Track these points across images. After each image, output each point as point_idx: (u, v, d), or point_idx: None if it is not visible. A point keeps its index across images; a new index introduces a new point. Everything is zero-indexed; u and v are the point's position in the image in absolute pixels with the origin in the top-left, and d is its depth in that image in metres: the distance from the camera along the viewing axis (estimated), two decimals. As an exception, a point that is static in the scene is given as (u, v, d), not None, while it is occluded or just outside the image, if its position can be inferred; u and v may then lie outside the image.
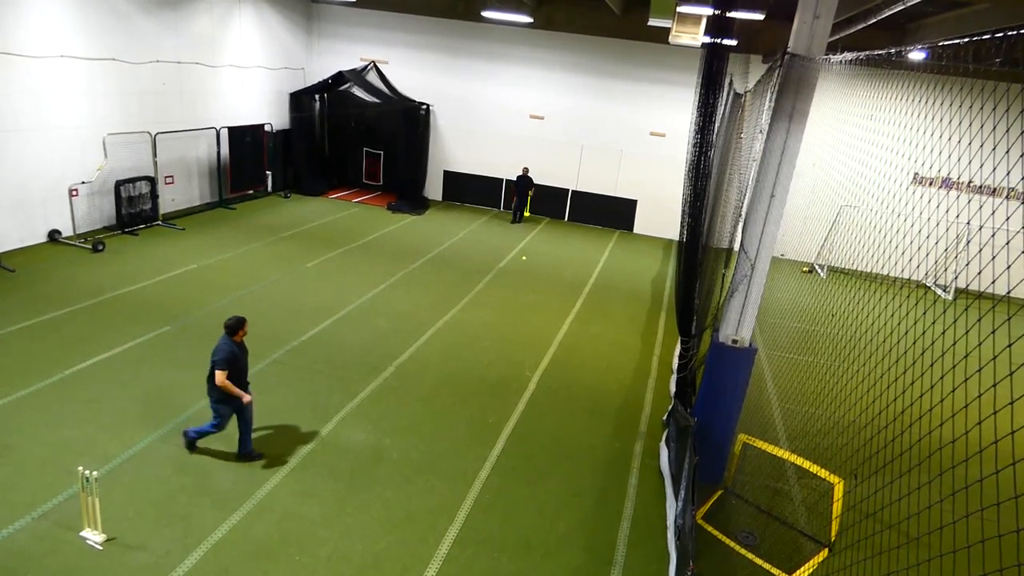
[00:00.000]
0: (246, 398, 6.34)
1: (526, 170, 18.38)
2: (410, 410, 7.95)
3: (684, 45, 12.05)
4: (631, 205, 18.92)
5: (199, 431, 6.54)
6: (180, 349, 8.76)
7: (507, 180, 19.38)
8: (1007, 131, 3.56)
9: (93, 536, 5.35)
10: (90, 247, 12.11)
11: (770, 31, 14.56)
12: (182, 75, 14.86)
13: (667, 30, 12.26)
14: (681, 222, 8.56)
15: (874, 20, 9.49)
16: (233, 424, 6.53)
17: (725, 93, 9.73)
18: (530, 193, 18.51)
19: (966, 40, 3.17)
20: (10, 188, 11.49)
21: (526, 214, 19.04)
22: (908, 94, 5.77)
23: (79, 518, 5.44)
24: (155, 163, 14.20)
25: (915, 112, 5.22)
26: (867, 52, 5.05)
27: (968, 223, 14.68)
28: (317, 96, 19.15)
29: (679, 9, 10.10)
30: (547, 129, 18.85)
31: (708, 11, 9.28)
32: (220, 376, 6.09)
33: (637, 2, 15.42)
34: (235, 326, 6.29)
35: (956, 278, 15.35)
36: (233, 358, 6.18)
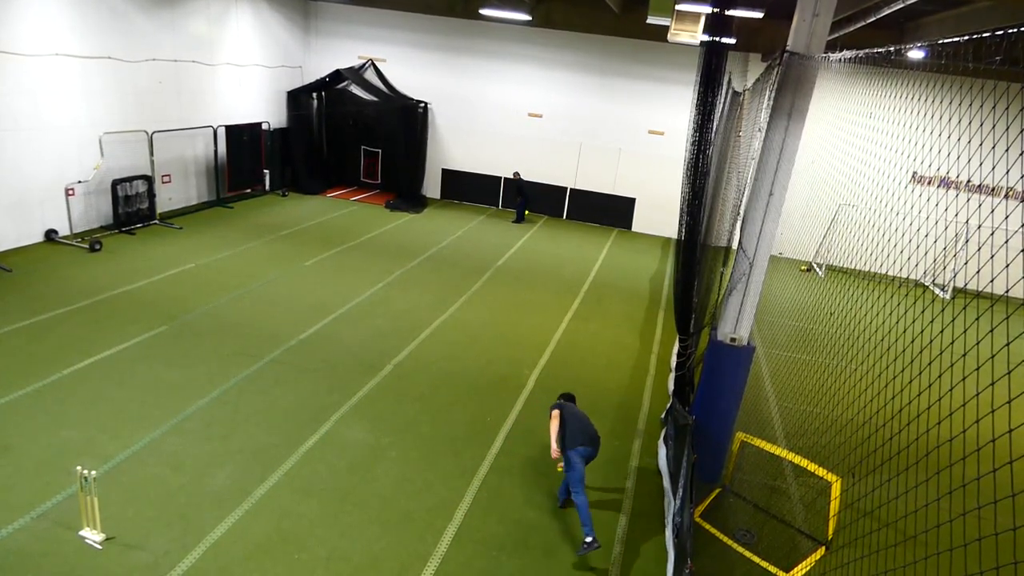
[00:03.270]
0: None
1: (516, 174, 18.67)
2: (408, 409, 7.95)
3: (683, 43, 12.06)
4: (629, 203, 18.91)
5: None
6: (178, 348, 8.75)
7: (505, 178, 19.38)
8: (1007, 130, 3.55)
9: (92, 535, 5.34)
10: (87, 247, 12.08)
11: (769, 29, 14.57)
12: (179, 73, 14.83)
13: (666, 28, 12.24)
14: (679, 220, 8.56)
15: (874, 19, 9.48)
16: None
17: (724, 91, 9.73)
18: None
19: (966, 39, 3.17)
20: (6, 188, 11.45)
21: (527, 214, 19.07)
22: (907, 93, 5.77)
23: (78, 518, 5.44)
24: (152, 162, 14.17)
25: (914, 111, 5.22)
26: (866, 50, 5.05)
27: (967, 222, 14.70)
28: (315, 94, 19.12)
29: (678, 7, 10.09)
30: (546, 127, 18.83)
31: (707, 9, 9.28)
32: None
33: (636, 0, 15.40)
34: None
35: (954, 277, 15.38)
36: None
